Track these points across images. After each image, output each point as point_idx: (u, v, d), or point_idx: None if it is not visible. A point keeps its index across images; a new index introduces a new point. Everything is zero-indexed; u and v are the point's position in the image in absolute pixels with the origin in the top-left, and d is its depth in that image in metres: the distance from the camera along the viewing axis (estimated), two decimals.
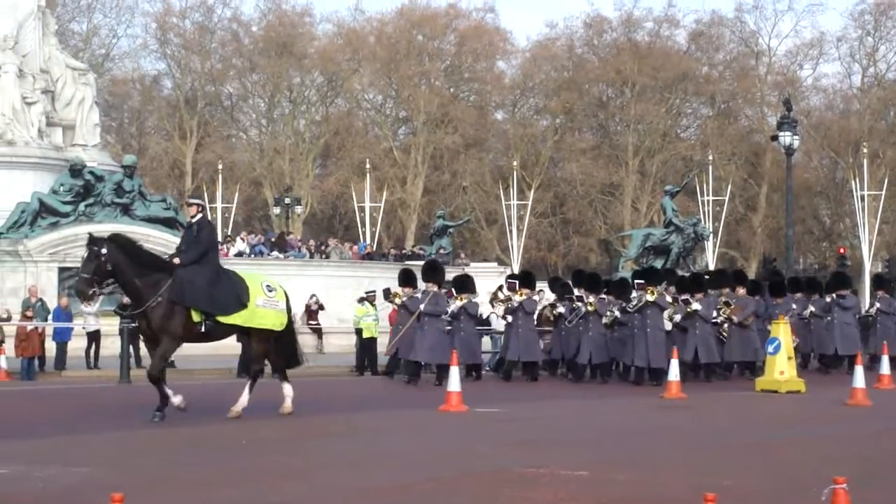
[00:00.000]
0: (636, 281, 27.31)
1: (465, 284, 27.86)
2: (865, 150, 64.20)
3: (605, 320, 27.18)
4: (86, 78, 43.69)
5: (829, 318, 30.60)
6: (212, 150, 70.79)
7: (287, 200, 61.33)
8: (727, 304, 27.87)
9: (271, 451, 14.57)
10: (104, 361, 29.26)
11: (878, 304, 31.87)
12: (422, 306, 25.94)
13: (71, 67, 43.48)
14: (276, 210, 64.72)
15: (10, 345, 28.58)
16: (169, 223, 37.34)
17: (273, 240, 46.57)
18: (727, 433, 17.36)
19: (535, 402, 21.82)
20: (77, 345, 29.82)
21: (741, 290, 28.56)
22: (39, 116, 40.66)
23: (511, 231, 62.13)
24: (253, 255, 42.39)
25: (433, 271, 27.25)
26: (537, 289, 29.73)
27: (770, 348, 24.44)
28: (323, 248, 47.29)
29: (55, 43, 44.30)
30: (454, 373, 20.06)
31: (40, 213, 35.88)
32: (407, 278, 27.31)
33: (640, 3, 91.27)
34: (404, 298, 26.76)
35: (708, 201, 62.55)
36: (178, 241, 36.04)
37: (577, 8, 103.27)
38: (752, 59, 77.60)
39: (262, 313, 17.78)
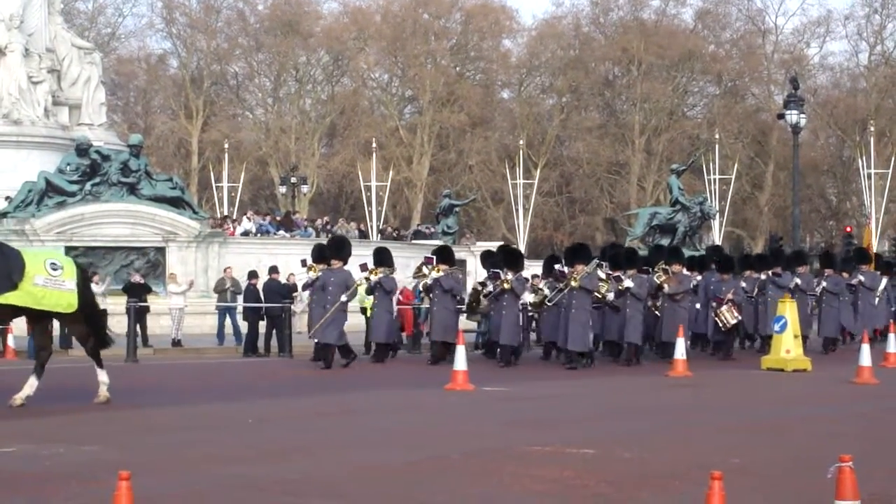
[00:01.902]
0: (555, 266, 26.04)
1: (382, 258, 26.65)
2: (872, 129, 64.03)
3: (533, 299, 26.02)
4: (92, 57, 43.68)
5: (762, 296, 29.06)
6: (218, 130, 70.79)
7: (293, 180, 61.30)
8: (665, 271, 26.48)
9: (277, 430, 14.59)
10: None
11: (823, 284, 30.36)
12: (329, 286, 24.45)
13: (77, 46, 43.47)
14: (282, 189, 64.69)
15: (16, 323, 28.53)
16: (175, 202, 37.32)
17: (279, 219, 46.57)
18: (733, 411, 17.37)
19: (542, 381, 21.83)
20: None
21: (676, 267, 26.84)
22: (45, 96, 40.67)
23: (517, 210, 62.06)
24: (259, 234, 42.39)
25: (339, 247, 25.59)
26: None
27: (776, 327, 24.42)
28: (328, 227, 47.31)
29: (61, 22, 44.27)
30: (460, 351, 20.04)
31: (47, 193, 35.86)
32: (320, 254, 25.56)
33: None
34: (319, 273, 24.94)
35: (714, 180, 62.44)
36: (184, 220, 36.39)
37: None
38: (758, 37, 77.39)
39: (40, 293, 16.34)
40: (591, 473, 11.21)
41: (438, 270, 26.26)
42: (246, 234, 41.81)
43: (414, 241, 47.12)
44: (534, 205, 64.18)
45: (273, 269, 30.61)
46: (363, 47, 75.36)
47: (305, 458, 12.18)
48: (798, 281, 29.56)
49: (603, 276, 25.54)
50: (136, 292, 29.06)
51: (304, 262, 26.46)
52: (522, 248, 55.72)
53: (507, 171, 63.63)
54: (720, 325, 27.08)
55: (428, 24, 76.01)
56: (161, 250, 35.82)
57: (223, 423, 15.25)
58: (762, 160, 75.59)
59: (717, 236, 60.78)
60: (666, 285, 26.26)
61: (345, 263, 25.07)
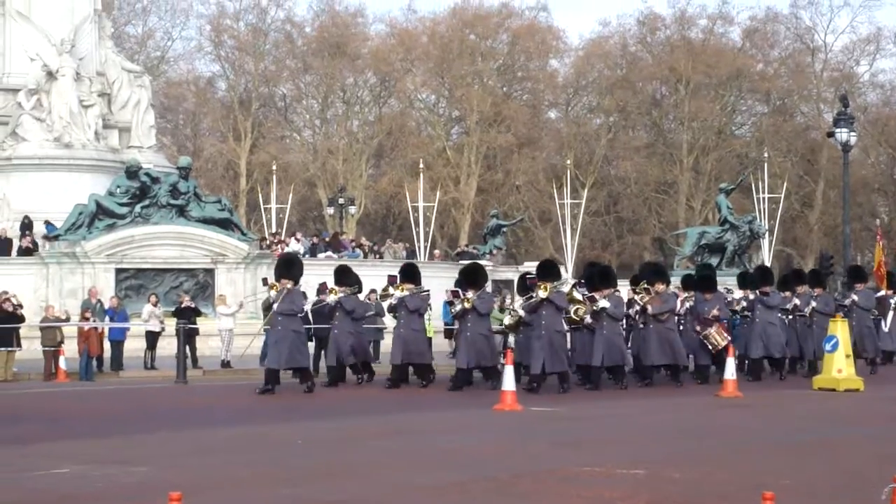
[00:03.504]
0: (527, 277, 24.95)
1: (343, 277, 25.60)
2: None
3: (509, 320, 24.33)
4: (141, 80, 44.13)
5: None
6: (266, 151, 71.13)
7: (341, 201, 61.47)
8: (647, 290, 25.00)
9: (327, 451, 14.61)
10: (160, 362, 29.50)
11: (813, 304, 27.85)
12: (275, 305, 23.33)
13: (126, 70, 43.93)
14: (330, 210, 64.87)
15: (68, 346, 28.83)
16: (224, 224, 37.55)
17: (327, 240, 46.73)
18: (784, 432, 17.23)
19: (592, 401, 21.73)
20: (133, 346, 30.09)
21: (660, 286, 25.19)
22: (96, 119, 41.09)
23: (565, 230, 61.83)
24: (308, 255, 42.52)
25: (288, 266, 24.25)
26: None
27: (828, 346, 24.19)
28: (376, 247, 47.45)
29: (111, 46, 44.76)
30: (508, 371, 19.98)
31: (97, 215, 36.20)
32: (280, 272, 24.20)
33: (694, 0, 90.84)
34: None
35: (763, 199, 62.03)
36: (233, 241, 36.57)
37: (631, 6, 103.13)
38: (807, 55, 77.01)
39: None
40: (640, 494, 11.15)
41: (403, 289, 24.74)
42: None
43: (461, 262, 47.07)
44: (581, 225, 63.97)
45: (321, 291, 30.67)
46: (410, 68, 75.57)
47: (354, 479, 12.18)
48: (797, 301, 27.72)
49: (580, 297, 24.06)
50: (186, 314, 29.23)
51: (265, 281, 25.71)
52: (570, 268, 55.62)
53: (555, 190, 63.43)
54: (710, 347, 25.27)
55: (474, 45, 76.12)
56: (210, 272, 36.03)
57: (272, 444, 15.28)
58: (812, 178, 75.12)
59: (766, 255, 60.38)
60: (649, 306, 24.82)
61: (295, 283, 23.90)
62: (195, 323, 29.77)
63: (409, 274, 25.37)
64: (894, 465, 12.16)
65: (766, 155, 65.60)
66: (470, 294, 23.90)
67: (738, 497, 10.93)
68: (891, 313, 31.33)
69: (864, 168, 75.52)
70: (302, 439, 15.69)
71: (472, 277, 24.52)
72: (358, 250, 45.70)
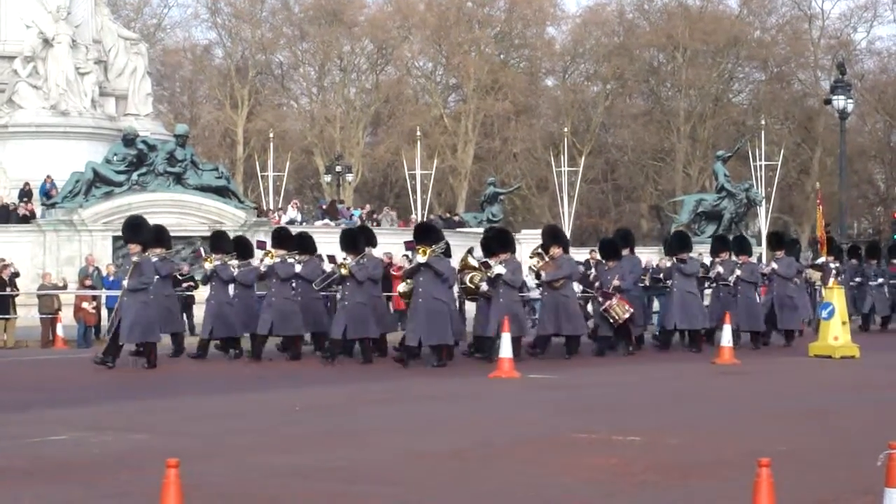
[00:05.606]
0: (405, 241, 23.22)
1: (219, 243, 24.37)
2: None
3: (404, 288, 22.69)
4: (138, 48, 44.01)
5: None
6: (263, 119, 70.96)
7: (338, 169, 61.42)
8: (539, 255, 23.28)
9: (325, 418, 14.65)
10: None
11: (738, 272, 26.13)
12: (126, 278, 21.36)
13: (123, 37, 43.81)
14: (327, 178, 64.82)
15: (66, 313, 28.84)
16: (221, 192, 37.52)
17: (325, 208, 46.71)
18: (781, 399, 17.27)
19: (588, 369, 21.76)
20: None
21: (556, 251, 23.21)
22: (92, 87, 40.98)
23: (562, 198, 61.68)
24: (304, 223, 42.53)
25: (134, 230, 21.99)
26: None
27: (824, 313, 24.22)
28: (374, 215, 47.42)
29: (107, 13, 44.61)
30: (506, 339, 19.99)
31: (94, 183, 36.16)
32: (126, 236, 22.38)
33: None
34: (276, 260, 23.23)
35: (760, 166, 61.74)
36: (230, 209, 36.54)
37: None
38: (805, 22, 76.77)
39: None
40: (637, 461, 11.19)
41: (272, 257, 23.21)
42: (291, 222, 41.94)
43: (459, 230, 47.06)
44: (578, 192, 63.72)
45: (195, 259, 30.50)
46: (407, 36, 75.34)
47: (352, 446, 12.22)
48: (720, 269, 26.34)
49: (475, 263, 22.72)
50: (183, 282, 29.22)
51: (261, 244, 24.50)
52: (568, 235, 55.55)
53: (552, 158, 63.27)
54: (611, 321, 23.74)
55: (472, 12, 75.90)
56: (207, 239, 36.00)
57: (271, 411, 15.32)
58: (809, 146, 75.01)
59: (763, 223, 60.37)
60: (542, 272, 22.94)
61: (145, 248, 21.72)
62: (192, 290, 29.75)
63: (282, 239, 23.88)
64: (890, 431, 12.20)
65: (763, 122, 65.37)
66: (348, 259, 22.16)
67: (735, 463, 10.96)
68: (831, 280, 30.89)
69: (861, 135, 75.40)
70: (299, 406, 15.73)
71: (349, 242, 22.60)
72: (355, 218, 45.70)
